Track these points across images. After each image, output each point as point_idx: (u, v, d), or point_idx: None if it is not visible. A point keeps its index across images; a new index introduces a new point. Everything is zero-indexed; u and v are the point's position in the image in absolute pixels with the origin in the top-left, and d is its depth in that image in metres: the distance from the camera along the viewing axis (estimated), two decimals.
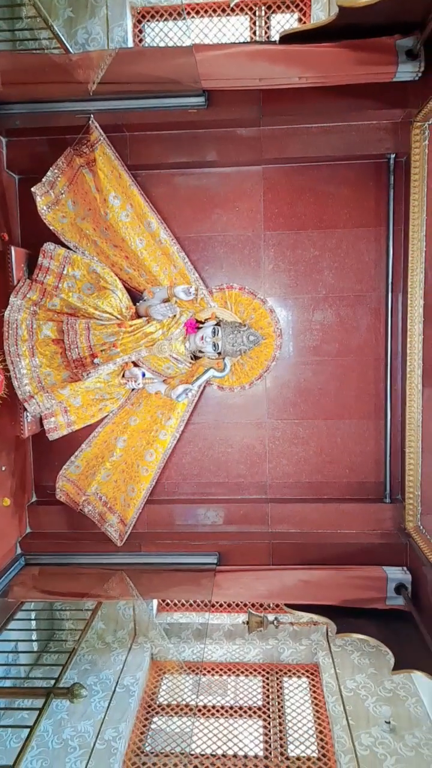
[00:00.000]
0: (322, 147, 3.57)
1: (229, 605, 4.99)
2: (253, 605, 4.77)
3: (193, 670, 4.93)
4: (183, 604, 5.01)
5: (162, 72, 3.17)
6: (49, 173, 3.41)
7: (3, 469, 3.40)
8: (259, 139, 3.56)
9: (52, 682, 2.80)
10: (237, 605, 5.00)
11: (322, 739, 4.13)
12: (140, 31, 4.62)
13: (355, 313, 3.76)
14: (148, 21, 4.65)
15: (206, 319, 3.53)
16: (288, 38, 3.18)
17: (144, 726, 4.30)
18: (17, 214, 3.77)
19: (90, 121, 3.33)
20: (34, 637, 4.51)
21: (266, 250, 3.76)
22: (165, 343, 3.31)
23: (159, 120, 3.49)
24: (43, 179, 3.40)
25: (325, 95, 3.35)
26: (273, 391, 3.86)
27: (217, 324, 3.42)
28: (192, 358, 3.48)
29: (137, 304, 3.47)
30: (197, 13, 4.58)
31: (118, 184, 3.42)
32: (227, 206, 3.76)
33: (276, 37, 4.27)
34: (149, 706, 4.47)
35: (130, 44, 4.42)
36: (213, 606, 4.45)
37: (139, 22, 4.63)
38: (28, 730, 2.45)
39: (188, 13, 4.62)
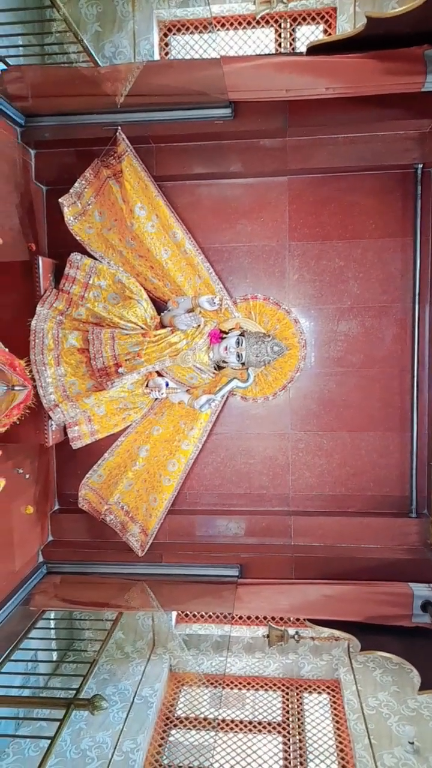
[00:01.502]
0: (348, 157, 3.55)
1: (249, 618, 4.93)
2: (273, 619, 4.71)
3: (213, 683, 4.88)
4: (202, 616, 4.97)
5: (189, 84, 3.19)
6: (76, 184, 3.45)
7: (27, 477, 3.42)
8: (284, 149, 3.56)
9: (72, 692, 2.79)
10: (257, 618, 4.93)
11: (342, 758, 4.04)
12: (167, 44, 4.67)
13: (380, 324, 3.72)
14: (174, 34, 4.71)
15: (230, 330, 3.52)
16: (315, 49, 3.18)
17: (162, 738, 4.26)
18: (44, 225, 3.82)
19: (117, 133, 3.36)
20: (53, 646, 4.51)
21: (291, 261, 3.75)
22: (189, 353, 3.30)
23: (185, 131, 3.50)
24: (71, 190, 3.44)
25: (351, 105, 3.34)
26: (296, 402, 3.82)
27: (241, 334, 3.41)
28: (215, 369, 3.47)
29: (162, 314, 3.47)
30: (222, 26, 4.62)
31: (144, 195, 3.44)
32: (252, 216, 3.76)
33: (302, 49, 4.29)
34: (167, 719, 4.43)
35: (157, 57, 4.47)
36: (234, 619, 4.40)
37: (165, 35, 4.68)
38: (49, 741, 2.44)
39: (214, 26, 4.66)
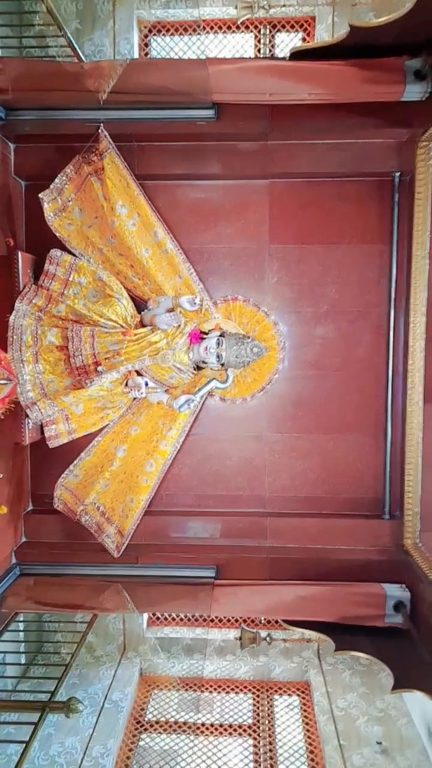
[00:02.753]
0: (329, 163, 3.60)
1: (220, 621, 4.93)
2: (246, 621, 4.72)
3: (185, 686, 4.85)
4: (174, 618, 4.94)
5: (173, 84, 3.19)
6: (57, 180, 3.41)
7: (1, 476, 3.35)
8: (266, 153, 3.59)
9: (42, 695, 2.74)
10: (228, 621, 4.93)
11: (312, 759, 4.07)
12: (146, 45, 4.67)
13: (357, 329, 3.78)
14: (155, 35, 4.70)
15: (210, 330, 3.52)
16: (298, 55, 3.22)
17: (132, 743, 4.22)
18: (23, 220, 3.76)
19: (99, 130, 3.34)
20: (21, 649, 4.41)
21: (270, 263, 3.78)
22: (169, 352, 3.29)
23: (168, 131, 3.50)
24: (51, 186, 3.40)
25: (332, 112, 3.38)
26: (273, 404, 3.85)
27: (221, 335, 3.42)
28: (195, 369, 3.47)
29: (142, 313, 3.46)
30: (203, 29, 4.64)
31: (125, 193, 3.42)
32: (233, 218, 3.78)
33: (281, 55, 4.35)
34: (138, 723, 4.39)
35: (136, 57, 4.46)
36: (212, 621, 4.39)
37: (146, 36, 4.67)
38: (23, 745, 2.39)
39: (194, 30, 4.68)
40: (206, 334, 3.50)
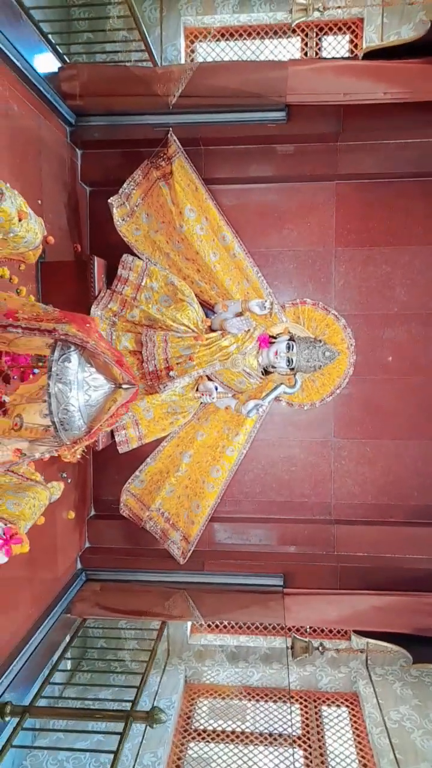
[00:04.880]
0: (397, 162, 3.53)
1: (265, 628, 4.83)
2: (296, 629, 4.63)
3: (231, 695, 4.78)
4: (217, 626, 4.87)
5: (246, 85, 3.16)
6: (125, 185, 3.40)
7: (69, 481, 3.34)
8: (334, 154, 3.54)
9: (88, 702, 2.69)
10: (274, 628, 4.82)
11: None
12: (192, 51, 4.65)
13: (427, 332, 3.68)
14: (200, 41, 4.68)
15: (279, 334, 3.47)
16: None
17: (180, 752, 4.14)
18: (87, 225, 3.77)
19: (169, 135, 3.32)
20: (68, 655, 4.39)
21: (337, 266, 3.71)
22: (239, 357, 3.25)
23: (236, 134, 3.48)
24: (120, 191, 3.39)
25: (405, 110, 3.31)
26: (340, 409, 3.77)
27: (291, 339, 3.36)
28: (263, 373, 3.42)
29: (212, 317, 3.42)
30: (249, 35, 4.60)
31: (194, 198, 3.40)
32: (298, 221, 3.72)
33: (332, 56, 4.29)
34: (185, 731, 4.32)
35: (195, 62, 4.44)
36: (258, 629, 4.29)
37: (192, 42, 4.66)
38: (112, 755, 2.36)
39: (240, 35, 4.66)
40: (275, 338, 3.45)
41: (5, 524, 1.90)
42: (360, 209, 3.68)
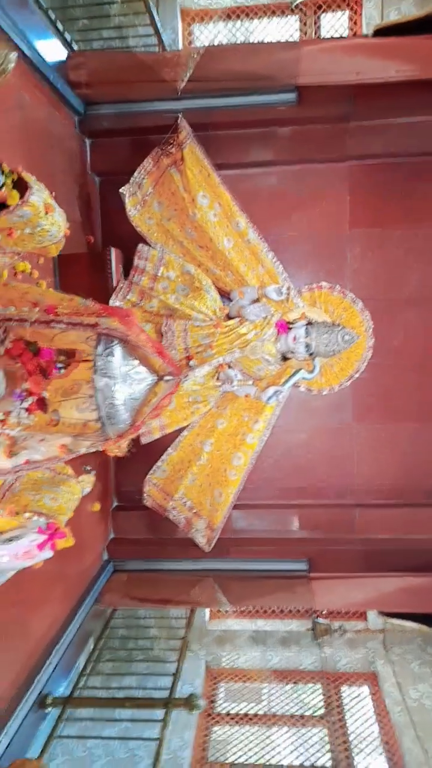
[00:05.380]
0: (411, 142, 3.49)
1: (282, 611, 4.86)
2: (318, 612, 4.66)
3: (252, 678, 4.83)
4: (235, 611, 4.89)
5: (257, 68, 3.12)
6: (135, 174, 3.36)
7: (94, 473, 3.34)
8: (347, 134, 3.50)
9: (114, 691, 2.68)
10: (290, 611, 4.84)
11: (389, 750, 4.01)
12: (189, 34, 4.58)
13: None
14: (197, 23, 4.61)
15: (296, 320, 3.45)
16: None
17: (205, 735, 4.19)
18: (98, 216, 3.74)
19: (179, 120, 3.28)
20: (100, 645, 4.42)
21: (351, 249, 3.69)
22: (258, 344, 3.24)
23: (245, 118, 3.44)
24: (131, 180, 3.35)
25: (418, 89, 3.26)
26: (358, 393, 3.77)
27: (309, 324, 3.34)
28: (282, 359, 3.41)
29: (229, 304, 3.40)
30: (246, 15, 4.53)
31: (206, 184, 3.36)
32: (311, 204, 3.69)
33: (330, 35, 4.22)
34: (209, 715, 4.36)
35: (180, 46, 4.37)
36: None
37: (189, 24, 4.58)
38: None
39: (237, 16, 4.58)
40: (292, 323, 3.43)
41: (47, 519, 1.91)
42: (373, 191, 3.65)
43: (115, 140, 3.58)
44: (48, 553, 1.91)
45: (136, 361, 1.58)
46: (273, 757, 3.90)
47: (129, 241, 3.45)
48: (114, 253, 3.14)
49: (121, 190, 3.35)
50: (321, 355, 3.37)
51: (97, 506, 3.42)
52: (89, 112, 3.38)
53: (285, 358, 3.45)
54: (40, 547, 1.89)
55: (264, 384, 3.47)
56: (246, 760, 3.93)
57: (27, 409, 1.63)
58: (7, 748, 2.21)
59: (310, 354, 3.34)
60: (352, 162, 3.62)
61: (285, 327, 3.38)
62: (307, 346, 3.30)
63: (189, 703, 2.51)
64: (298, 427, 3.83)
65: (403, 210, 3.64)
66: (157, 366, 1.62)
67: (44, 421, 1.77)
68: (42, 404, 1.68)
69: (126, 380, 1.56)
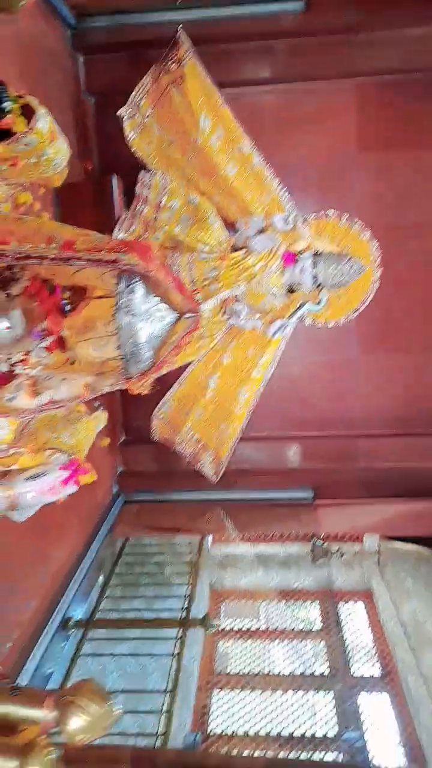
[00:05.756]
0: (425, 57, 3.28)
1: (281, 536, 5.04)
2: (317, 536, 4.85)
3: (254, 597, 5.09)
4: (238, 537, 5.06)
5: None
6: (134, 94, 3.15)
7: (102, 407, 3.36)
8: (355, 47, 3.28)
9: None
10: (288, 535, 5.01)
11: (383, 659, 4.30)
12: None
13: None
14: None
15: (302, 251, 3.36)
16: None
17: (211, 650, 4.45)
18: (94, 140, 3.55)
19: (178, 34, 3.04)
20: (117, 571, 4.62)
21: (358, 173, 3.56)
22: (264, 276, 3.17)
23: (249, 29, 3.20)
24: (129, 100, 3.15)
25: None
26: (363, 324, 3.73)
27: (316, 254, 3.26)
28: (288, 292, 3.35)
29: (235, 235, 3.30)
30: None
31: (208, 105, 3.16)
32: (316, 126, 3.53)
33: None
34: (214, 632, 4.60)
35: None
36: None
37: None
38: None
39: None
40: (299, 254, 3.34)
41: (68, 456, 1.94)
42: (383, 110, 3.47)
43: (112, 56, 3.34)
44: (72, 489, 1.95)
45: (157, 299, 1.55)
46: (274, 667, 4.17)
47: (128, 166, 3.28)
48: (115, 182, 3.00)
49: (119, 113, 3.15)
50: (328, 287, 3.31)
51: (106, 441, 3.46)
52: (82, 25, 3.13)
53: (291, 291, 3.39)
54: (65, 482, 1.93)
55: (269, 318, 3.43)
56: (249, 671, 4.21)
57: (46, 348, 1.61)
58: (36, 669, 2.34)
59: (317, 286, 3.28)
60: (360, 78, 3.41)
61: (292, 258, 3.29)
62: (315, 277, 3.22)
63: (204, 623, 2.64)
64: (303, 359, 3.83)
65: (415, 130, 3.47)
66: (177, 303, 1.58)
67: (61, 360, 1.75)
68: (61, 343, 1.66)
69: (148, 318, 1.52)
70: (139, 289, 1.50)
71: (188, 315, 1.60)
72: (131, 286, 1.48)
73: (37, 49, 2.82)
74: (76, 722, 0.82)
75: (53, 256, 1.38)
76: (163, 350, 1.61)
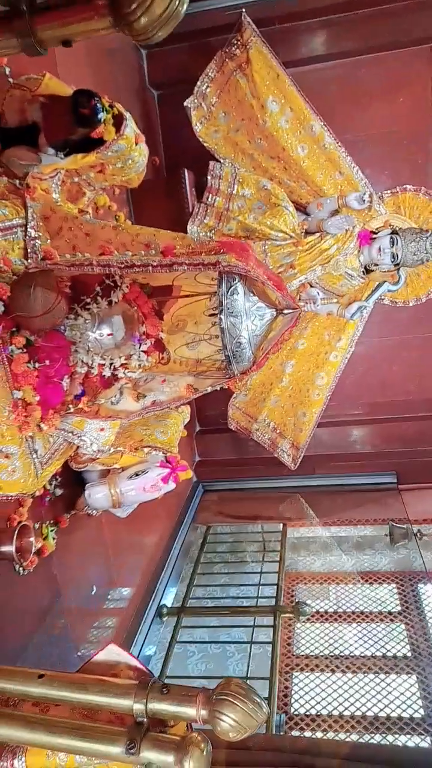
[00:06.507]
0: None
1: (366, 521, 4.95)
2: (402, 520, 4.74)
3: (329, 580, 5.05)
4: (320, 522, 5.02)
5: None
6: (199, 83, 3.13)
7: None
8: (428, 9, 3.10)
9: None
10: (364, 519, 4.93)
11: None
12: None
13: None
14: None
15: (379, 229, 3.25)
16: None
17: (289, 632, 4.47)
18: (160, 134, 3.55)
19: (242, 17, 2.97)
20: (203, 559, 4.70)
21: None
22: (340, 258, 3.10)
23: (316, 5, 3.08)
24: (195, 90, 3.13)
25: None
26: None
27: (394, 232, 3.14)
28: (364, 272, 3.25)
29: (308, 219, 3.23)
30: None
31: (275, 87, 3.10)
32: (388, 98, 3.38)
33: None
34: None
35: None
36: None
37: None
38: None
39: None
40: (376, 233, 3.24)
41: (165, 453, 1.98)
42: None
43: (173, 47, 3.32)
44: (171, 485, 1.99)
45: (256, 297, 1.54)
46: (354, 650, 4.15)
47: (193, 157, 3.27)
48: (187, 175, 2.99)
49: (185, 103, 3.14)
50: (407, 265, 3.19)
51: (183, 432, 3.51)
52: None
53: (368, 271, 3.29)
54: (165, 479, 1.98)
55: (346, 300, 3.36)
56: (329, 653, 4.20)
57: (145, 352, 1.64)
58: (138, 655, 2.44)
59: (396, 265, 3.17)
60: None
61: (368, 237, 3.20)
62: (393, 256, 3.11)
63: (296, 609, 2.66)
64: (382, 341, 3.73)
65: None
66: (274, 299, 1.57)
67: (155, 360, 1.78)
68: (160, 346, 1.69)
69: (249, 317, 1.52)
70: (240, 289, 1.50)
71: (287, 311, 1.58)
72: (233, 287, 1.48)
73: (105, 48, 2.83)
74: (228, 720, 0.84)
75: (156, 263, 1.39)
76: (262, 348, 1.61)
